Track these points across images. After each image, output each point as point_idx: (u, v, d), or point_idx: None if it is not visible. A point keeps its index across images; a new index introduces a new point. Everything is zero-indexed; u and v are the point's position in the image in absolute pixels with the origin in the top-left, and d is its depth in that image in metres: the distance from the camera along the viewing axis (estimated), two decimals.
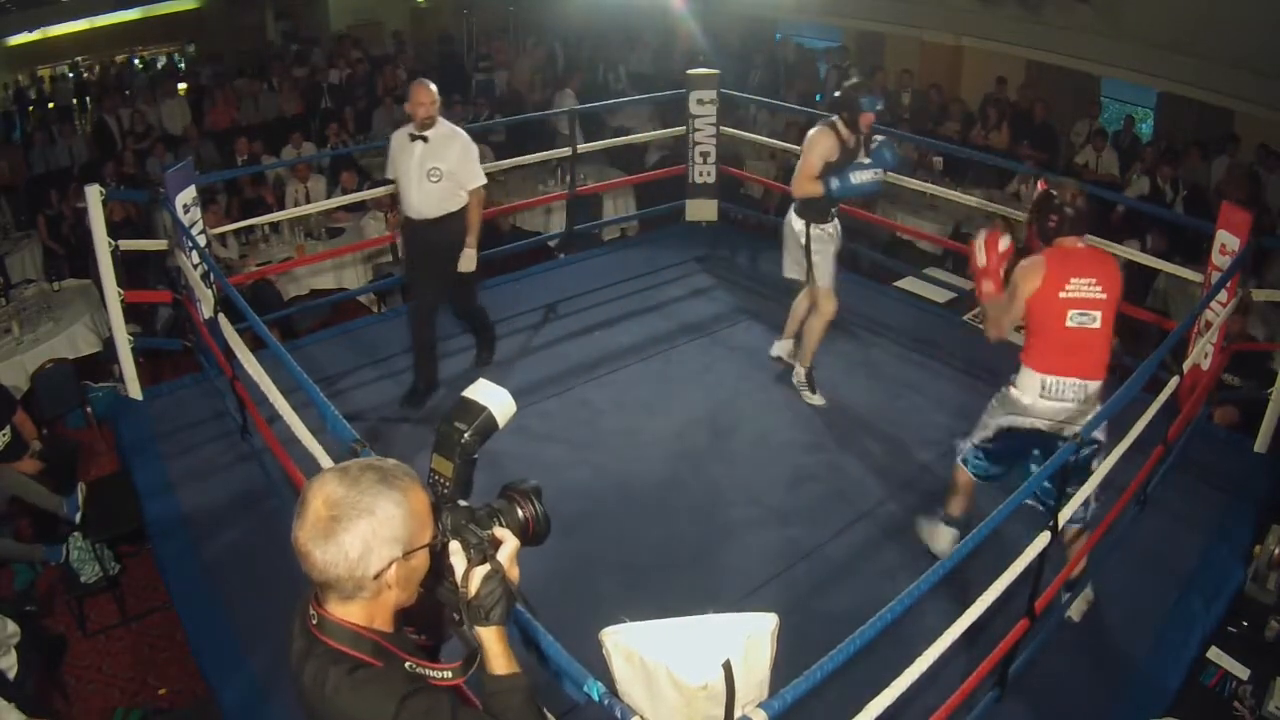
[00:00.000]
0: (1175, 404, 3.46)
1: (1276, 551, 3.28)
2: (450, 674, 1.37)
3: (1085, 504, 2.97)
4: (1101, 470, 2.91)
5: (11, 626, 3.24)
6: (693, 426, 4.33)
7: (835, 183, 3.95)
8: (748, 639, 1.61)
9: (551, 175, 7.47)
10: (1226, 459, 4.14)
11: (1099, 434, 2.93)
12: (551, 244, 6.86)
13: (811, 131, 4.09)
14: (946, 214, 7.09)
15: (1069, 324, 2.92)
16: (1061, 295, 2.90)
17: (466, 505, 1.42)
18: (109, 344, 4.87)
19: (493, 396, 1.54)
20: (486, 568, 1.36)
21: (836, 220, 4.24)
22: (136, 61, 12.11)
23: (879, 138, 4.12)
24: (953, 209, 6.89)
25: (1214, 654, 3.04)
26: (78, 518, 4.08)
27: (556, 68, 10.87)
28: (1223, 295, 3.94)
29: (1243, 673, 2.97)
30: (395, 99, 9.39)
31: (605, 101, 8.52)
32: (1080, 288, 2.89)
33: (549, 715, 2.01)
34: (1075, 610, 3.21)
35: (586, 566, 3.45)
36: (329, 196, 6.86)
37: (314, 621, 1.32)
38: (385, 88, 9.85)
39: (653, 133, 7.44)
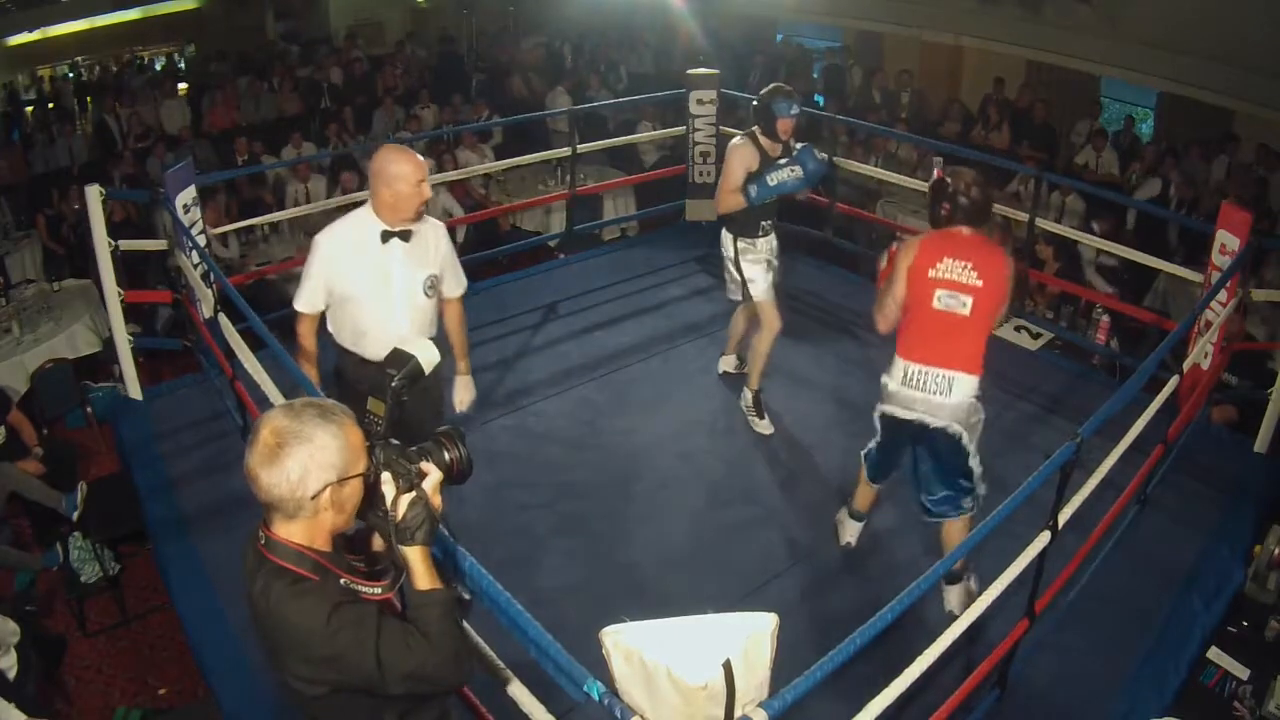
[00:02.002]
0: (1175, 404, 3.46)
1: (1276, 551, 3.28)
2: (380, 590, 1.57)
3: (973, 494, 3.01)
4: (1101, 470, 2.92)
5: (11, 626, 3.24)
6: (692, 426, 4.33)
7: (753, 189, 3.80)
8: (748, 639, 1.61)
9: (551, 175, 7.48)
10: (1226, 459, 4.14)
11: (960, 425, 2.93)
12: (551, 244, 6.86)
13: (731, 143, 3.96)
14: None
15: (936, 305, 2.86)
16: (931, 274, 2.86)
17: (397, 443, 1.60)
18: (109, 344, 4.87)
19: (420, 348, 1.78)
20: (413, 494, 1.55)
21: (771, 236, 4.10)
22: (136, 62, 12.11)
23: (800, 145, 3.94)
24: None
25: (1214, 654, 3.04)
26: (75, 516, 4.08)
27: (560, 67, 10.86)
28: (1223, 295, 3.94)
29: (1243, 673, 2.97)
30: (395, 99, 9.40)
31: (603, 102, 8.51)
32: (952, 268, 2.84)
33: (514, 681, 2.11)
34: (956, 603, 3.14)
35: (586, 566, 3.45)
36: (329, 196, 6.86)
37: (262, 542, 1.51)
38: (385, 88, 9.85)
39: (653, 133, 7.45)
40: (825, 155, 3.97)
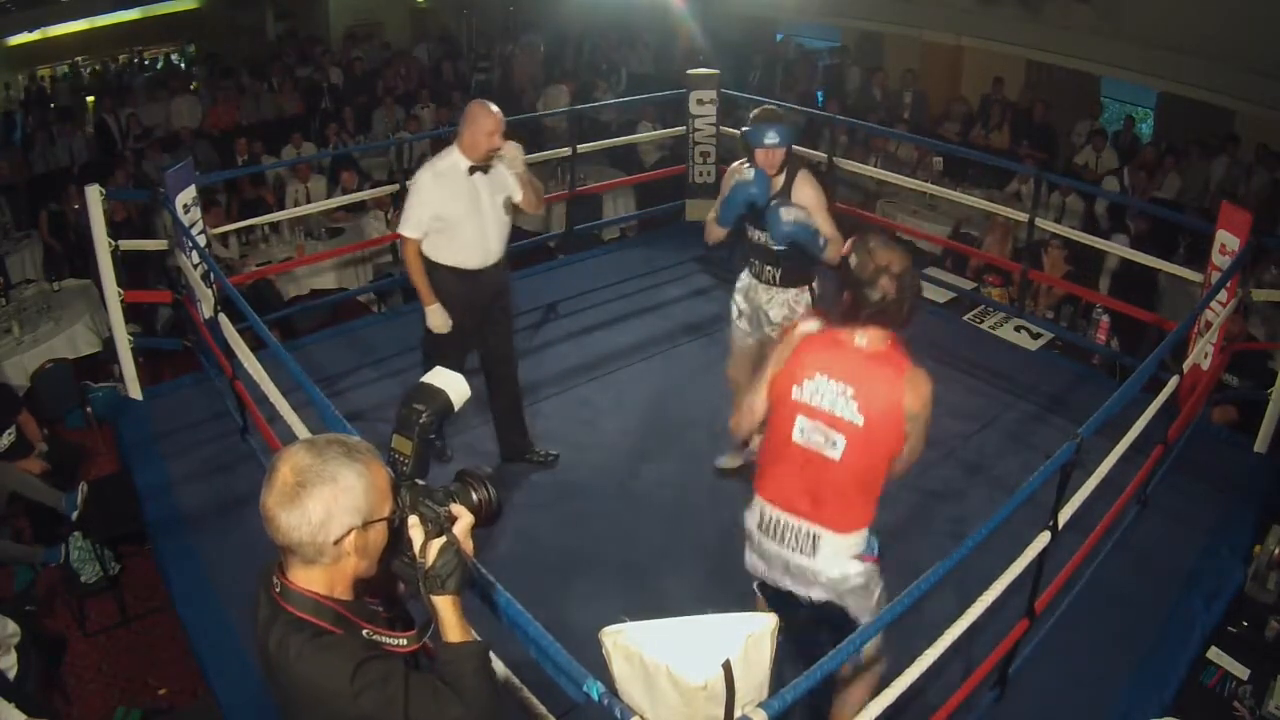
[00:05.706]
0: (1175, 404, 3.46)
1: (1276, 551, 3.28)
2: (405, 641, 1.45)
3: (858, 652, 2.15)
4: (1101, 470, 2.91)
5: (11, 626, 3.24)
6: (693, 426, 4.32)
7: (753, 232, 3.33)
8: (748, 639, 1.61)
9: (551, 175, 7.48)
10: (1226, 459, 4.13)
11: (836, 598, 2.27)
12: (551, 244, 6.86)
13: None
14: (946, 214, 7.09)
15: (795, 438, 2.15)
16: (794, 392, 2.13)
17: (424, 484, 1.52)
18: (109, 344, 4.87)
19: (450, 381, 1.66)
20: (443, 539, 1.44)
21: (747, 278, 3.62)
22: (136, 62, 12.12)
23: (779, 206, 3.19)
24: (953, 209, 6.90)
25: (1214, 654, 3.04)
26: (75, 515, 4.08)
27: (557, 67, 10.87)
28: (1223, 295, 3.94)
29: (1243, 673, 2.97)
30: (395, 99, 9.40)
31: (600, 102, 8.52)
32: (824, 391, 2.09)
33: (514, 681, 2.05)
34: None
35: (586, 566, 3.45)
36: (329, 196, 6.87)
37: (277, 590, 1.40)
38: (385, 88, 9.85)
39: (653, 133, 7.45)
40: (801, 217, 3.16)
